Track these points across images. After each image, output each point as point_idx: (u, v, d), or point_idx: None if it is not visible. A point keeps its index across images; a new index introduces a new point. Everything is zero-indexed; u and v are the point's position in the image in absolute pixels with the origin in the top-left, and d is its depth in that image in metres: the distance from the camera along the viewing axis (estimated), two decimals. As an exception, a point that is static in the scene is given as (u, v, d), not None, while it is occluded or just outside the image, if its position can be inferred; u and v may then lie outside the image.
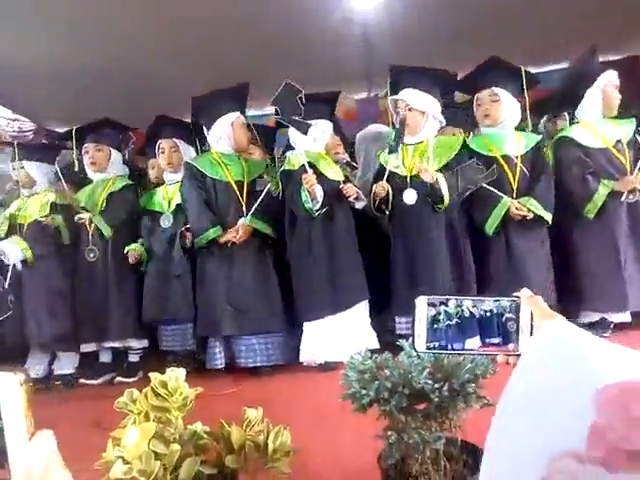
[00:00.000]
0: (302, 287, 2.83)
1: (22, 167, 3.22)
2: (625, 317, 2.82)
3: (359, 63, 4.72)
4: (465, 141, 2.89)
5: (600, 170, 2.84)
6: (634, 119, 2.95)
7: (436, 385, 1.04)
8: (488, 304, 0.73)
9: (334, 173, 2.89)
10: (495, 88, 2.82)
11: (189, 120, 3.19)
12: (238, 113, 2.96)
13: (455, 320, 0.73)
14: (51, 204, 3.15)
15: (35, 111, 5.64)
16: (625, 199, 2.79)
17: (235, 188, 2.94)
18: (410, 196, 2.74)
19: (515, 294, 0.74)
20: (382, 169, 2.85)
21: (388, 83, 2.89)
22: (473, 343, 0.73)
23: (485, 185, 2.73)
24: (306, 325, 2.82)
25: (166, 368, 2.86)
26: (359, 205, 2.87)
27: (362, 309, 2.83)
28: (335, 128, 3.15)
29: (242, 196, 2.94)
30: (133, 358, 3.12)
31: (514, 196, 2.78)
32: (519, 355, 0.71)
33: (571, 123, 3.14)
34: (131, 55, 4.55)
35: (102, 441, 1.11)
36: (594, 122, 2.92)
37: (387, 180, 2.77)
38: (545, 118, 3.48)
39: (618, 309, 2.80)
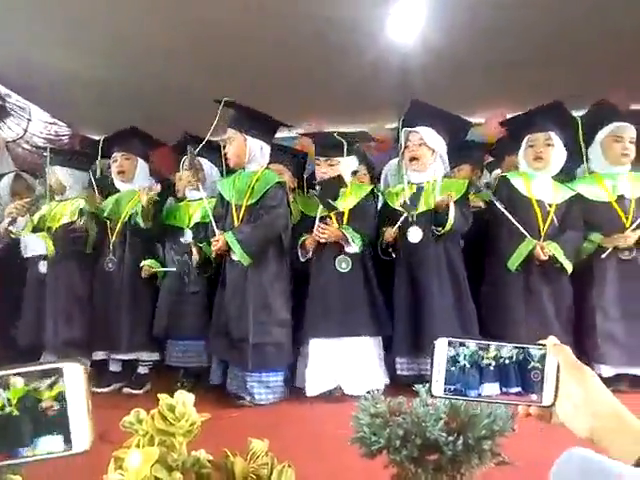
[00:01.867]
0: (313, 306, 2.79)
1: (55, 172, 3.28)
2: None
3: (395, 93, 4.76)
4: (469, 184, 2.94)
5: (598, 223, 2.82)
6: None
7: (450, 438, 1.00)
8: (510, 350, 0.70)
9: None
10: (551, 132, 2.83)
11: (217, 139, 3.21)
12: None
13: (474, 363, 0.70)
14: (80, 210, 3.19)
15: (73, 117, 5.80)
16: (607, 255, 2.75)
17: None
18: (415, 234, 2.76)
19: (541, 342, 0.70)
20: (386, 207, 2.91)
21: (402, 116, 2.92)
22: (491, 389, 0.70)
23: (514, 221, 2.72)
24: (312, 353, 2.76)
25: (176, 383, 2.87)
26: (351, 250, 2.77)
27: (371, 344, 2.76)
28: (360, 158, 3.17)
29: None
30: (142, 370, 3.10)
31: (541, 239, 2.77)
32: (543, 406, 0.68)
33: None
34: (169, 70, 4.68)
35: (104, 456, 1.09)
36: (602, 174, 2.91)
37: (392, 218, 2.82)
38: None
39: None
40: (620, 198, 2.84)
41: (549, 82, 4.34)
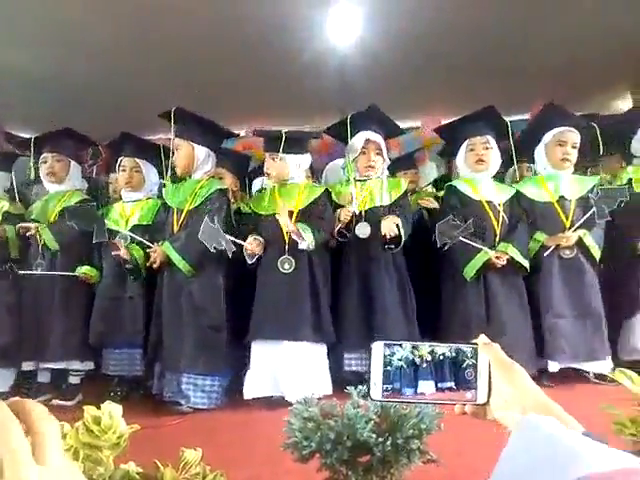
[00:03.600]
0: (256, 308, 2.75)
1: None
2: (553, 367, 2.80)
3: (334, 96, 4.82)
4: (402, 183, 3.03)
5: (540, 223, 2.94)
6: (597, 178, 3.08)
7: (380, 439, 1.02)
8: (444, 349, 0.72)
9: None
10: (489, 136, 2.94)
11: (156, 139, 3.15)
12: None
13: (410, 362, 0.71)
14: (4, 213, 3.02)
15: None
16: (549, 254, 2.87)
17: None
18: (363, 229, 2.81)
19: (473, 341, 0.73)
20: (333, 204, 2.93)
21: (350, 118, 2.95)
22: (427, 387, 0.71)
23: (468, 241, 2.78)
24: (252, 356, 2.72)
25: (110, 393, 2.76)
26: (303, 245, 2.73)
27: (314, 350, 2.73)
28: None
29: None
30: (73, 380, 2.96)
31: (496, 241, 2.87)
32: (478, 404, 0.70)
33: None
34: (106, 69, 4.52)
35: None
36: (546, 176, 3.04)
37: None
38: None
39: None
40: (561, 199, 2.96)
41: (486, 87, 4.53)
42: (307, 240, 2.69)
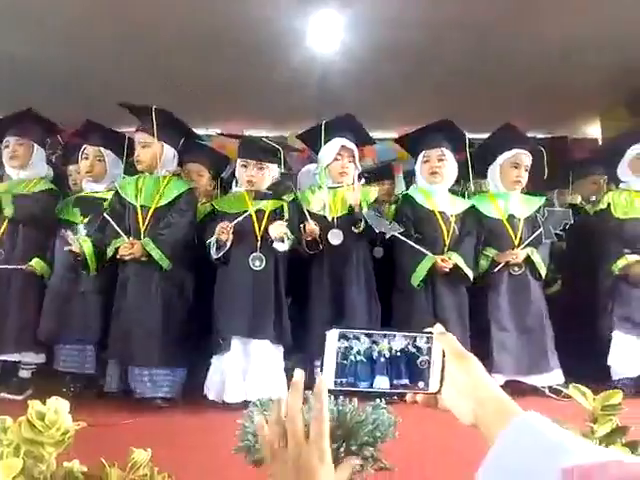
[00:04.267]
0: (228, 303, 2.73)
1: None
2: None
3: (311, 103, 4.83)
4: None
5: (490, 239, 3.02)
6: (542, 198, 3.18)
7: (334, 445, 1.00)
8: (400, 342, 0.71)
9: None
10: (444, 149, 2.98)
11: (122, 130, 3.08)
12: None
13: (367, 357, 0.71)
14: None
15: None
16: (499, 270, 2.94)
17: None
18: (336, 236, 2.82)
19: (428, 329, 0.72)
20: (300, 210, 2.91)
21: (323, 125, 2.96)
22: (382, 382, 0.71)
23: (412, 243, 2.83)
24: (215, 358, 2.70)
25: (62, 389, 2.68)
26: (281, 247, 2.74)
27: (274, 350, 2.72)
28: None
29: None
30: (24, 374, 2.85)
31: (445, 251, 2.91)
32: (430, 393, 0.70)
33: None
34: (80, 56, 4.42)
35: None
36: (497, 194, 3.12)
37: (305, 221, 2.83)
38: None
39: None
40: (511, 217, 3.04)
41: (469, 100, 4.59)
42: (286, 245, 2.72)
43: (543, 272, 2.99)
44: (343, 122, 3.02)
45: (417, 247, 2.84)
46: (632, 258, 2.99)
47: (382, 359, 0.71)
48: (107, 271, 2.80)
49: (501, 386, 0.65)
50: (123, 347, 2.66)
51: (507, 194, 3.09)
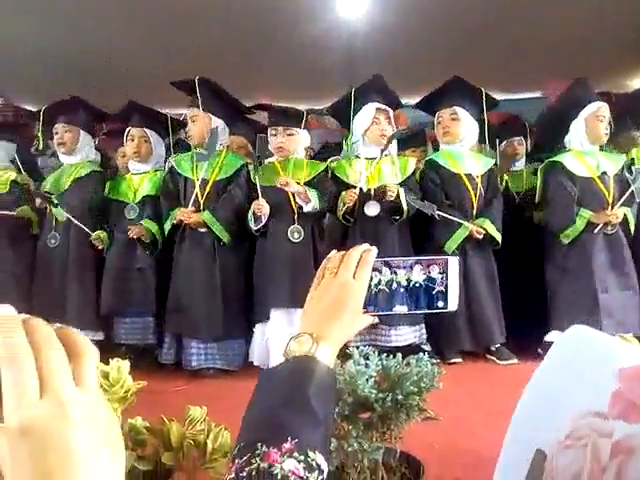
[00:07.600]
0: (271, 276, 2.78)
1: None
2: None
3: (341, 71, 4.77)
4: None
5: (582, 199, 2.89)
6: (624, 155, 3.05)
7: (380, 395, 1.04)
8: (417, 274, 0.76)
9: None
10: (456, 107, 2.91)
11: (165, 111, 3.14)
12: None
13: (388, 287, 0.76)
14: (11, 182, 3.06)
15: (5, 87, 5.49)
16: (598, 231, 2.83)
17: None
18: (373, 208, 2.80)
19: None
20: (337, 181, 2.89)
21: (353, 96, 2.89)
22: (401, 310, 0.77)
23: (452, 217, 2.82)
24: (258, 326, 2.78)
25: (118, 360, 2.79)
26: (308, 207, 2.75)
27: None
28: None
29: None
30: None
31: (474, 213, 2.90)
32: (450, 311, 0.77)
33: (549, 150, 3.22)
34: (112, 42, 4.49)
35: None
36: (583, 151, 2.96)
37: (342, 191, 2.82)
38: (505, 142, 3.56)
39: None
40: (602, 175, 2.90)
41: (496, 62, 4.45)
42: (313, 202, 2.72)
43: (632, 230, 2.90)
44: (373, 85, 2.94)
45: (455, 219, 2.83)
46: None
47: (401, 289, 0.76)
48: (163, 247, 2.94)
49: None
50: (181, 319, 2.78)
51: (593, 152, 2.96)
